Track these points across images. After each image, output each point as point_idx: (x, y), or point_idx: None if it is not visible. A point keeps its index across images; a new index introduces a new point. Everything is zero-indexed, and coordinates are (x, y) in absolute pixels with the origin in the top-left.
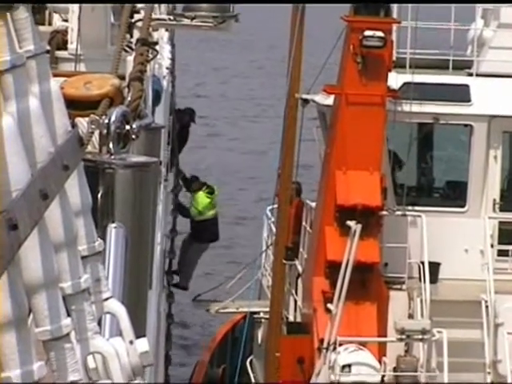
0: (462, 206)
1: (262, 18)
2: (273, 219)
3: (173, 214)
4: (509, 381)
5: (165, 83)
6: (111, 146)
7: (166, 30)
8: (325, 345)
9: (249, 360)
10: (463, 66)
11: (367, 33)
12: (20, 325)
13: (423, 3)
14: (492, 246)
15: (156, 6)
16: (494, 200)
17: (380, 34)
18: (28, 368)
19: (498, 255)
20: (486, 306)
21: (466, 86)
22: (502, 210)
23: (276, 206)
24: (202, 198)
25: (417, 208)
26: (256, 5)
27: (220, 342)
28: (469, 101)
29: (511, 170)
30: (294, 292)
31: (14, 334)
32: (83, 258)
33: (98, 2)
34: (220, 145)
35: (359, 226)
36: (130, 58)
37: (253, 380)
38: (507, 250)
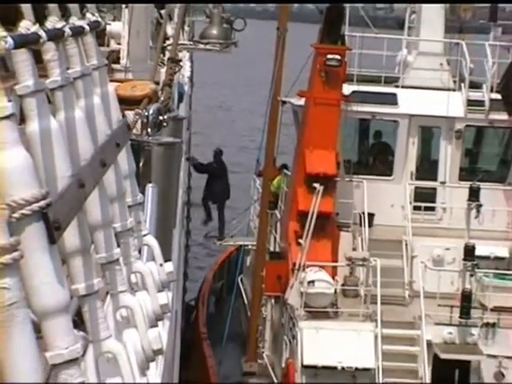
0: (390, 176)
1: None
2: (258, 182)
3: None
4: (421, 295)
5: (186, 88)
6: (149, 130)
7: (187, 51)
8: (296, 267)
9: (240, 277)
10: (392, 81)
11: (329, 56)
12: (85, 253)
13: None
14: (410, 203)
15: (180, 33)
16: (412, 172)
17: (337, 57)
18: (90, 282)
19: (414, 209)
20: (406, 244)
21: (394, 94)
22: (416, 178)
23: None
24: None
25: (360, 176)
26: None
27: (220, 265)
28: (396, 104)
29: (423, 151)
30: (274, 231)
31: (81, 259)
32: (129, 206)
33: (137, 2)
34: None
35: (321, 188)
36: (163, 70)
37: (242, 291)
38: (420, 206)
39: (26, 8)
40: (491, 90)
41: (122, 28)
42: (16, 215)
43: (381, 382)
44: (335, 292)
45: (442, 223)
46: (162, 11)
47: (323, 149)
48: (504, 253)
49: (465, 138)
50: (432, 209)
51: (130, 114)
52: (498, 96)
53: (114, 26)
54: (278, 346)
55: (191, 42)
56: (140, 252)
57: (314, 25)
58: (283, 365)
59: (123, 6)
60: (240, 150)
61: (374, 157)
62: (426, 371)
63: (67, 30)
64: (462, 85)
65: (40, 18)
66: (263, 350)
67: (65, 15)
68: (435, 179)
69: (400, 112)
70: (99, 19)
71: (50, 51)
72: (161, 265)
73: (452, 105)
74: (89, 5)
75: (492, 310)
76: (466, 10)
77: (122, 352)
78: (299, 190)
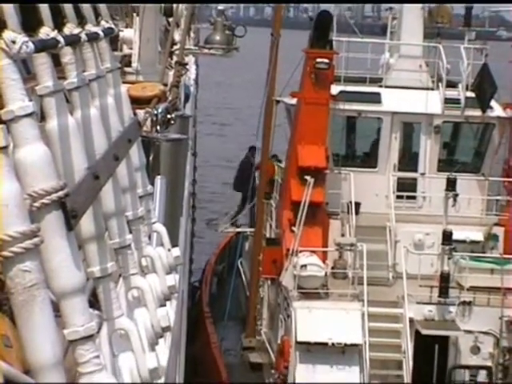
0: (375, 167)
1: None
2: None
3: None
4: (403, 277)
5: (192, 89)
6: (158, 127)
7: (193, 55)
8: (290, 252)
9: (240, 260)
10: (376, 81)
11: (318, 60)
12: (99, 239)
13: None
14: (393, 192)
15: (186, 39)
16: (394, 164)
17: (326, 60)
18: (104, 265)
19: (397, 198)
20: (390, 230)
21: (378, 94)
22: (399, 170)
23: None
24: None
25: (347, 168)
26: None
27: (222, 249)
28: (380, 102)
29: (405, 145)
30: (269, 219)
31: (96, 244)
32: (140, 197)
33: (149, 2)
34: None
35: (312, 180)
36: (171, 73)
37: (242, 273)
38: (402, 195)
39: (46, 15)
40: (466, 89)
41: (134, 34)
42: (36, 204)
43: (367, 356)
44: (325, 274)
45: (422, 211)
46: (170, 19)
47: (314, 144)
48: (479, 237)
49: (443, 133)
50: (413, 197)
51: (140, 113)
52: (473, 94)
53: (126, 33)
54: (274, 323)
55: (196, 47)
56: (150, 238)
57: (308, 31)
58: (279, 341)
59: (135, 14)
60: (240, 146)
61: (360, 150)
62: (408, 346)
63: (83, 36)
64: (440, 84)
65: (58, 25)
66: (261, 327)
67: (81, 22)
68: (416, 170)
69: (383, 110)
70: (113, 26)
71: (67, 55)
72: (169, 250)
73: (430, 102)
74: (103, 13)
75: (468, 289)
76: (443, 17)
77: (133, 329)
78: (292, 182)
